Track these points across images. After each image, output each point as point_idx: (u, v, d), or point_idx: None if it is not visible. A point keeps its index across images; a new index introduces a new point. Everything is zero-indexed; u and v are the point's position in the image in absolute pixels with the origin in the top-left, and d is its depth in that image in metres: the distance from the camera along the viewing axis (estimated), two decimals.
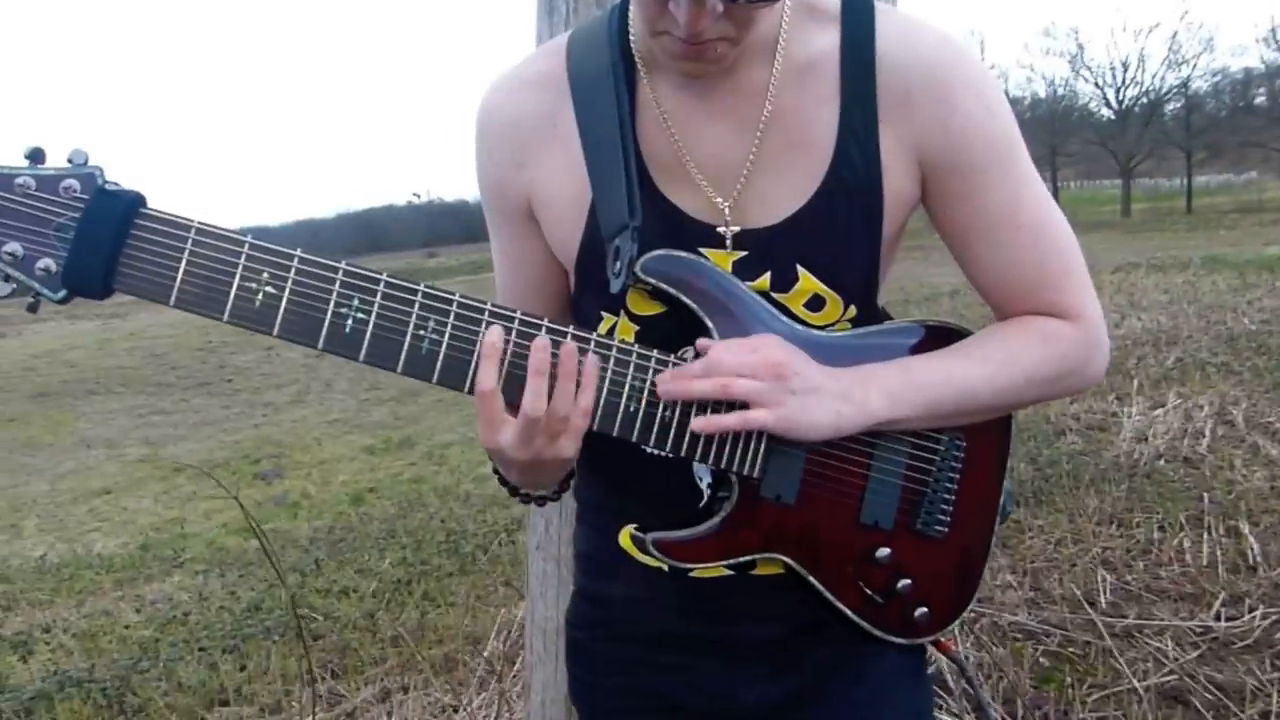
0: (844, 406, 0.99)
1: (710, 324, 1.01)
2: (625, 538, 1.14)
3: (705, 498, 1.08)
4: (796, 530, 1.06)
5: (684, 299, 1.01)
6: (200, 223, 0.85)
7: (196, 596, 4.84)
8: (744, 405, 0.97)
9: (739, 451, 1.02)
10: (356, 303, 0.87)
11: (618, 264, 1.00)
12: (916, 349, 1.08)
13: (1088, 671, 2.82)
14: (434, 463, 8.31)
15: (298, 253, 0.86)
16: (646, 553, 1.03)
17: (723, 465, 1.01)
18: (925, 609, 1.11)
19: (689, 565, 1.04)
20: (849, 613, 1.09)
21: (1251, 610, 3.05)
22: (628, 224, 1.00)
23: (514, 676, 3.01)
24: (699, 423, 0.97)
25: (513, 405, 0.92)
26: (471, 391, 0.92)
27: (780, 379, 0.96)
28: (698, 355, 1.00)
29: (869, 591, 1.09)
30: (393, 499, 7.07)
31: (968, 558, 1.14)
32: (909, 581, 1.09)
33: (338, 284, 0.87)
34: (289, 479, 8.42)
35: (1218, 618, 3.02)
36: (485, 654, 3.17)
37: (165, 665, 3.62)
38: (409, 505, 6.67)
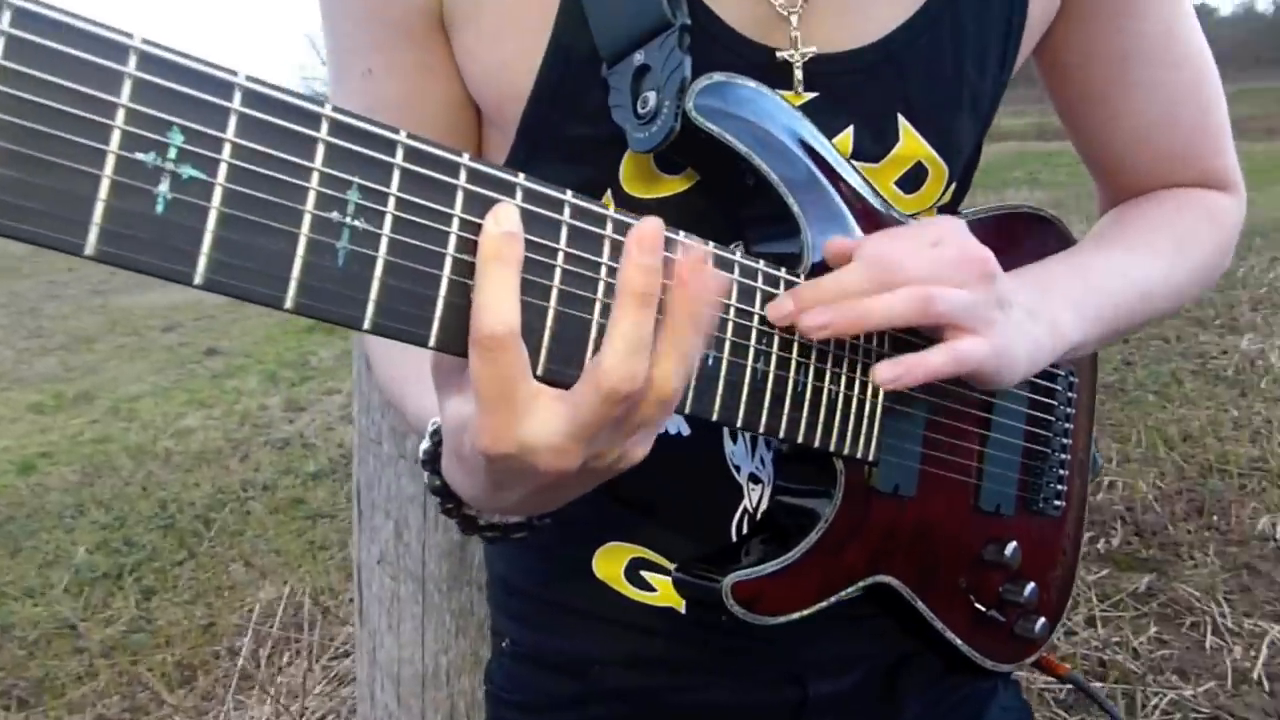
0: (1037, 328, 0.62)
1: (798, 209, 0.59)
2: (606, 567, 0.71)
3: (752, 501, 0.67)
4: (909, 535, 0.68)
5: (758, 163, 0.58)
6: None
7: None
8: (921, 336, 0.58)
9: (850, 421, 0.61)
10: (180, 142, 0.34)
11: (648, 96, 0.55)
12: (1039, 247, 0.74)
13: None
14: (121, 419, 7.09)
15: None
16: (708, 600, 0.60)
17: (832, 447, 0.60)
18: (1044, 619, 0.78)
19: (778, 617, 0.62)
20: (957, 640, 0.73)
21: None
22: (670, 22, 0.54)
23: (277, 680, 2.45)
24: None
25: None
26: (430, 344, 0.43)
27: (988, 284, 0.56)
28: (791, 271, 0.57)
29: (981, 607, 0.74)
30: (73, 465, 5.93)
31: (1072, 539, 0.83)
32: (1033, 585, 0.75)
33: (126, 91, 0.33)
34: None
35: None
36: (240, 657, 2.55)
37: None
38: (95, 471, 5.59)
